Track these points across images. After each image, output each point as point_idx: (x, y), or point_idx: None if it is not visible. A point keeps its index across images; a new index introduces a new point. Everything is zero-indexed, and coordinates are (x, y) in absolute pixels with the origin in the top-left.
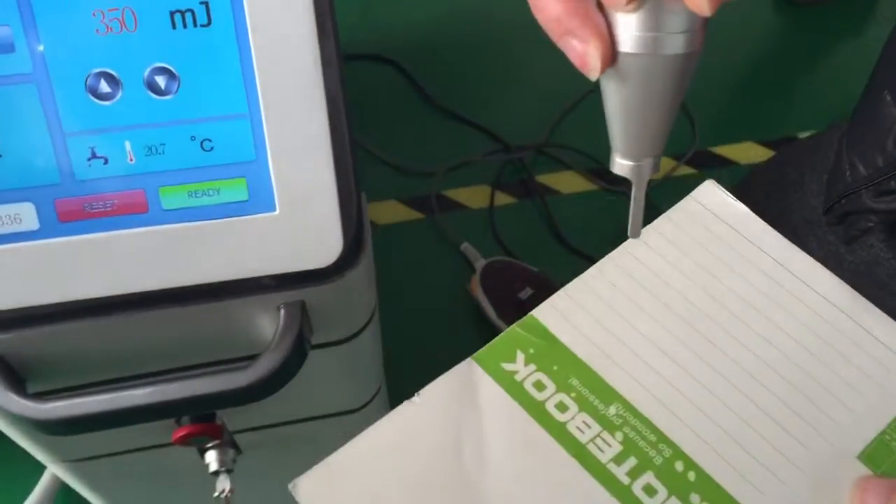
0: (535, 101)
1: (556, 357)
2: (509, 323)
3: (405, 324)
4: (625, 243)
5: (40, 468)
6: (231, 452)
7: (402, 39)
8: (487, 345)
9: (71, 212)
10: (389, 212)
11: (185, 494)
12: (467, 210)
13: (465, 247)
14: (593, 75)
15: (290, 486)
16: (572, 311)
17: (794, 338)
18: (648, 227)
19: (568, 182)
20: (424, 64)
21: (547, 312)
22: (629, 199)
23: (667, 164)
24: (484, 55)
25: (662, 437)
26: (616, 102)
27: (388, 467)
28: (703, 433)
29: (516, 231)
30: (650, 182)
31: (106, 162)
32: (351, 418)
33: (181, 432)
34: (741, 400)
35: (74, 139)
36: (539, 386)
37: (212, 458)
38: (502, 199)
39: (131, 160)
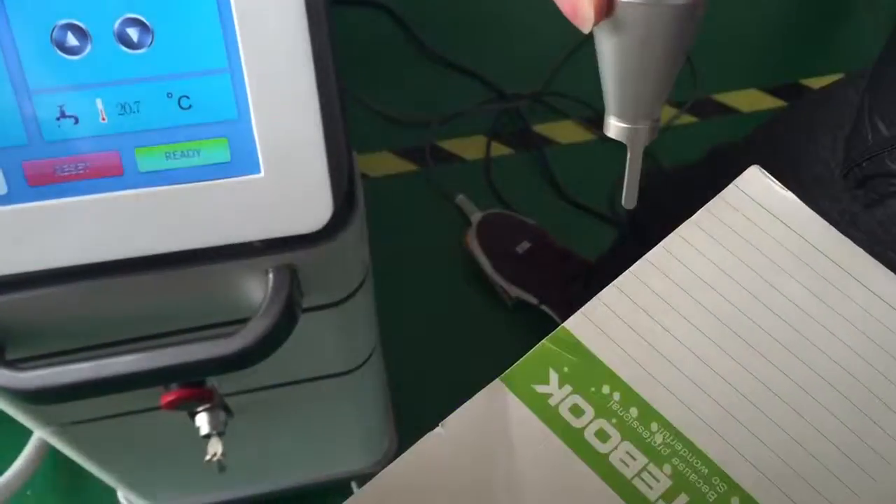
0: (533, 47)
1: (593, 376)
2: (505, 277)
3: (399, 280)
4: (662, 242)
5: (27, 431)
6: (222, 415)
7: None
8: (517, 363)
9: (41, 175)
10: (381, 164)
11: (176, 457)
12: (462, 161)
13: (461, 199)
14: (586, 27)
15: None
16: (608, 323)
17: (858, 352)
18: (688, 221)
19: (566, 132)
20: (416, 8)
21: (581, 324)
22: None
23: (666, 112)
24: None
25: (715, 469)
26: (611, 59)
27: None
28: (759, 464)
29: (513, 183)
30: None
31: (76, 121)
32: (345, 380)
33: (170, 397)
34: (800, 423)
35: (41, 97)
36: (576, 411)
37: (202, 422)
38: (498, 149)
39: (103, 119)
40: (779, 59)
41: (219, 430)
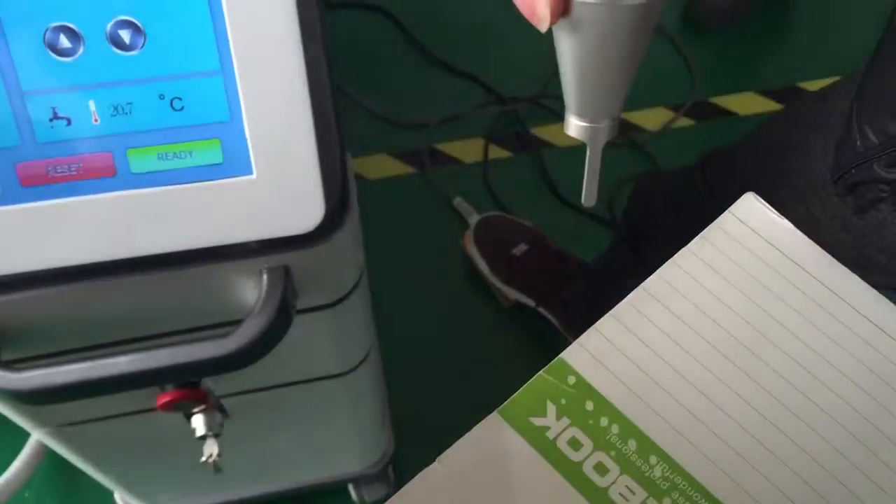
0: (530, 50)
1: (590, 408)
2: (502, 279)
3: (397, 282)
4: (659, 271)
5: (25, 433)
6: (218, 417)
7: None
8: (514, 396)
9: (34, 176)
10: (380, 166)
11: (173, 459)
12: (460, 164)
13: (458, 202)
14: (543, 26)
15: None
16: (605, 353)
17: (855, 381)
18: (685, 249)
19: (564, 134)
20: (415, 12)
21: (577, 355)
22: (630, 150)
23: (665, 115)
24: (475, 1)
25: (715, 503)
26: (570, 58)
27: None
28: (760, 497)
29: (510, 185)
30: (645, 134)
31: (69, 123)
32: (341, 381)
33: (165, 398)
34: (799, 455)
35: (34, 98)
36: (574, 444)
37: (198, 423)
38: (496, 152)
39: (96, 121)
40: (777, 61)
41: (214, 432)
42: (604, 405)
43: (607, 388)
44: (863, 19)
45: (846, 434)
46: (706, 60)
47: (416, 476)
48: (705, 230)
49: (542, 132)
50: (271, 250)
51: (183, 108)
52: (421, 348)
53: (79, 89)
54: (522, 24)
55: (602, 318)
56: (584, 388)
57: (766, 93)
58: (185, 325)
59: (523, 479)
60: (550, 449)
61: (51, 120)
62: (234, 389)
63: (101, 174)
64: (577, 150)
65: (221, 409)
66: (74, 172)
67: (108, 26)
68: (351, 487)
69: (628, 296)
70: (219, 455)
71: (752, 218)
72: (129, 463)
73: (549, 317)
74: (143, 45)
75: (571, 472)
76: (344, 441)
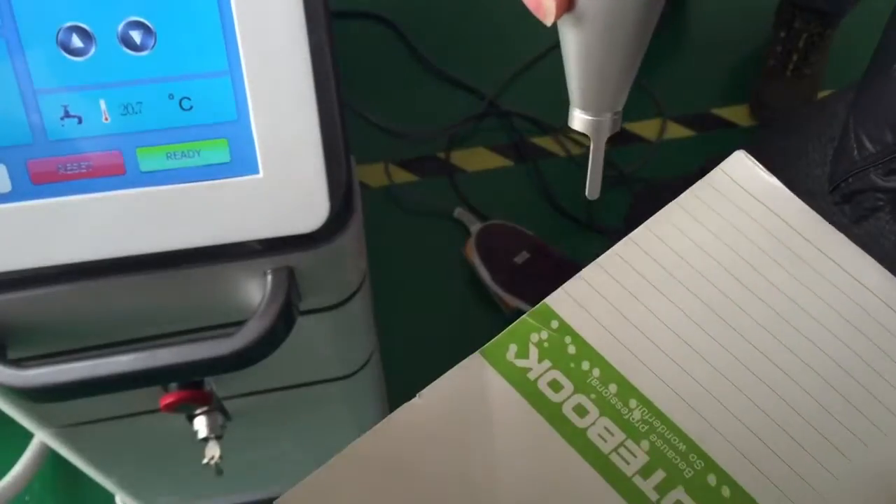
0: (530, 60)
1: (572, 352)
2: (504, 287)
3: (400, 289)
4: (646, 223)
5: (29, 435)
6: (220, 419)
7: None
8: (497, 337)
9: (44, 173)
10: (382, 175)
11: (175, 461)
12: (462, 173)
13: (459, 212)
14: (549, 20)
15: (274, 503)
16: (589, 299)
17: (835, 334)
18: (672, 203)
19: (562, 145)
20: (417, 22)
21: (561, 300)
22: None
23: (664, 125)
24: (477, 13)
25: (693, 447)
26: (574, 51)
27: (384, 480)
28: (736, 442)
29: (511, 194)
30: (648, 143)
31: (80, 121)
32: (343, 384)
33: (168, 399)
34: (777, 403)
35: (46, 97)
36: (555, 386)
37: (200, 425)
38: (497, 161)
39: (106, 119)
40: None
41: (216, 434)
42: (586, 349)
43: (590, 333)
44: (863, 34)
45: (824, 384)
46: (707, 71)
47: (396, 410)
48: (694, 185)
49: (542, 142)
50: (276, 251)
51: (191, 107)
52: (422, 354)
53: (90, 88)
54: (523, 37)
55: (587, 267)
56: (567, 333)
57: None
58: (191, 326)
59: (502, 418)
60: (531, 389)
61: (62, 118)
62: (237, 391)
63: (111, 172)
64: (576, 160)
65: (223, 412)
66: (84, 170)
67: (120, 27)
68: None
69: (614, 246)
70: (220, 457)
71: (741, 174)
72: (131, 465)
73: None
74: (153, 45)
75: (551, 413)
76: (346, 445)
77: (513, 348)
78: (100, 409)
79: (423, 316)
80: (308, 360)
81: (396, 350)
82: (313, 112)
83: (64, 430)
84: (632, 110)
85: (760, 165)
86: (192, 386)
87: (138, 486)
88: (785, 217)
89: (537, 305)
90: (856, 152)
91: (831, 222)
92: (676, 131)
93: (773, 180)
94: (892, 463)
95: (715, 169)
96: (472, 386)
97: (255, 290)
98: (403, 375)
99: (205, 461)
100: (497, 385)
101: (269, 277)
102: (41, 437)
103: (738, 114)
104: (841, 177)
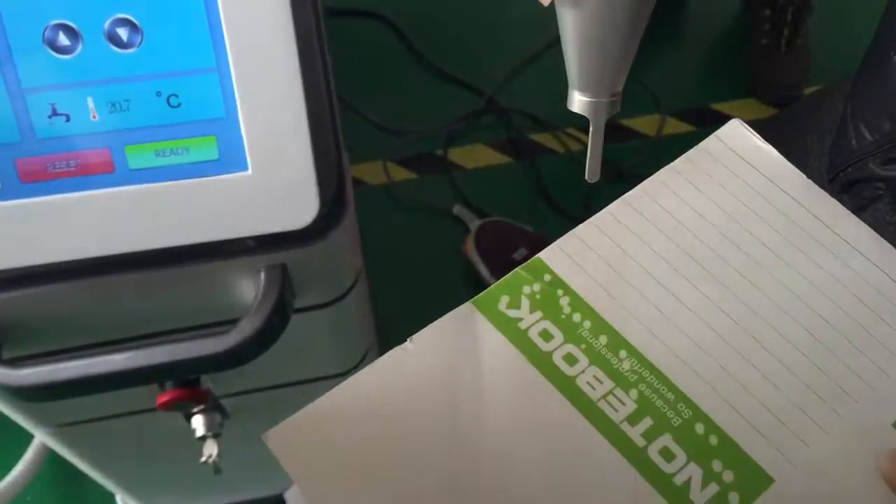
0: (527, 57)
1: (564, 304)
2: None
3: (398, 286)
4: (640, 185)
5: (31, 434)
6: (218, 417)
7: None
8: (489, 288)
9: (33, 172)
10: (380, 172)
11: (174, 460)
12: (460, 170)
13: (458, 209)
14: (546, 0)
15: (262, 436)
16: (582, 255)
17: (823, 291)
18: (667, 167)
19: (560, 142)
20: (412, 18)
21: (555, 255)
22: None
23: (663, 121)
24: (475, 10)
25: (681, 396)
26: (573, 33)
27: (373, 418)
28: (724, 392)
29: (510, 191)
30: (648, 139)
31: (68, 119)
32: (339, 382)
33: (165, 398)
34: (765, 356)
35: (33, 95)
36: (546, 336)
37: (198, 423)
38: (496, 158)
39: (94, 117)
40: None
41: (214, 432)
42: (578, 302)
43: (581, 286)
44: (862, 25)
45: (811, 339)
46: (705, 65)
47: (387, 353)
48: (689, 151)
49: (541, 139)
50: (268, 248)
51: (179, 104)
52: None
53: (77, 86)
54: (521, 33)
55: (581, 225)
56: (559, 286)
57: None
58: (186, 324)
59: (493, 365)
60: (521, 338)
61: (50, 116)
62: (234, 390)
63: (100, 170)
64: (575, 157)
65: (221, 410)
66: (73, 168)
67: (106, 24)
68: None
69: (609, 206)
70: (218, 456)
71: (735, 141)
72: (129, 464)
73: None
74: (140, 42)
75: (541, 361)
76: None
77: (504, 299)
78: (97, 408)
79: (423, 313)
80: (305, 357)
81: (394, 344)
82: (301, 109)
83: (61, 429)
84: (630, 106)
85: (755, 133)
86: (188, 384)
87: (137, 486)
88: (774, 179)
89: (530, 260)
90: (854, 142)
91: None
92: (675, 126)
93: (768, 147)
94: (880, 417)
95: (711, 135)
96: (463, 333)
97: (249, 287)
98: None
99: (203, 459)
100: (488, 333)
101: (263, 275)
102: (40, 437)
103: (737, 108)
104: (839, 167)
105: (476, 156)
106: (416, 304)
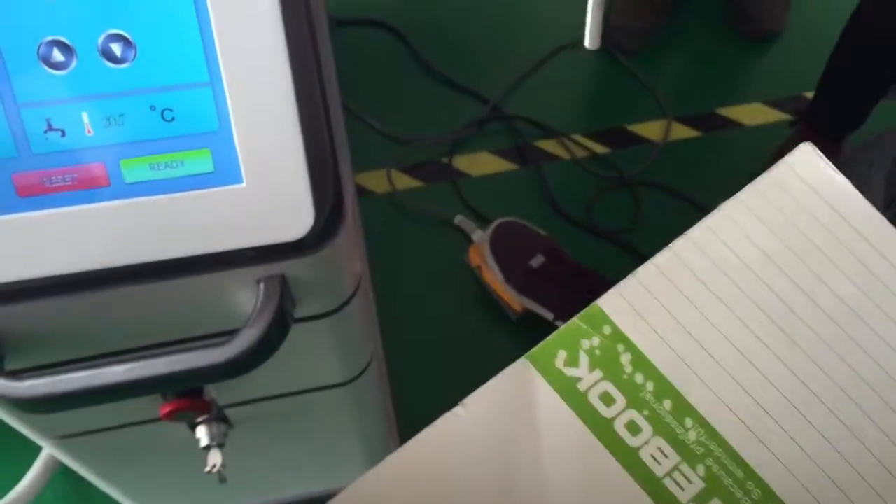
0: (533, 66)
1: (625, 362)
2: (517, 289)
3: (403, 294)
4: (705, 219)
5: (37, 448)
6: (222, 427)
7: (395, 2)
8: (545, 341)
9: (30, 186)
10: (385, 181)
11: (180, 469)
12: (465, 177)
13: (460, 219)
14: None
15: None
16: (643, 303)
17: None
18: (733, 198)
19: (564, 148)
20: (418, 27)
21: (615, 303)
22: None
23: (669, 126)
24: (480, 19)
25: (751, 474)
26: None
27: (425, 494)
28: (797, 472)
29: (515, 198)
30: (654, 144)
31: (63, 134)
32: (344, 390)
33: (168, 408)
34: (840, 430)
35: (29, 110)
36: (607, 399)
37: (202, 433)
38: (501, 165)
39: (89, 132)
40: (785, 71)
41: (218, 442)
42: (640, 360)
43: (643, 340)
44: None
45: (886, 408)
46: (713, 70)
47: (438, 419)
48: (758, 179)
49: (546, 146)
50: (266, 259)
51: (174, 118)
52: (427, 359)
53: (72, 101)
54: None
55: (642, 266)
56: (620, 340)
57: (773, 103)
58: (187, 335)
59: (550, 431)
60: (581, 402)
61: (45, 131)
62: (237, 399)
63: (96, 184)
64: (580, 164)
65: (225, 420)
66: (69, 182)
67: (100, 40)
68: None
69: (672, 243)
70: (223, 465)
71: (807, 171)
72: (135, 474)
73: None
74: (133, 57)
75: (601, 429)
76: (350, 450)
77: (562, 355)
78: (100, 419)
79: (428, 320)
80: (307, 366)
81: (401, 355)
82: (295, 121)
83: (66, 440)
84: (636, 111)
85: (827, 160)
86: (191, 394)
87: (143, 496)
88: (851, 220)
89: (588, 307)
90: None
91: None
92: (681, 132)
93: (842, 179)
94: None
95: (780, 161)
96: (517, 395)
97: (248, 298)
98: (406, 379)
99: (207, 469)
100: (545, 396)
101: (262, 286)
102: (46, 448)
103: (744, 113)
104: (892, 196)
105: (481, 163)
106: (421, 312)
